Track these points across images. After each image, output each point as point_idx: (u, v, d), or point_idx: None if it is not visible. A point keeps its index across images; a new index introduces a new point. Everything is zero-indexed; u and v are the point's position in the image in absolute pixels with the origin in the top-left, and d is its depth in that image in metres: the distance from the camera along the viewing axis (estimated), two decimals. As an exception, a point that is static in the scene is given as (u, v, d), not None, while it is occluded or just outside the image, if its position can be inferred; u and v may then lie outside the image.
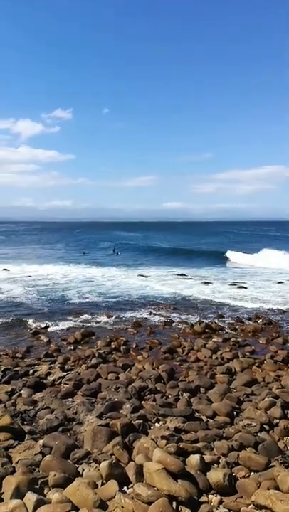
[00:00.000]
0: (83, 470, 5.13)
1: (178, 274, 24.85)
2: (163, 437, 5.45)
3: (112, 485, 4.59)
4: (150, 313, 14.68)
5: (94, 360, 9.32)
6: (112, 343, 10.79)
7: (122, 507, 4.29)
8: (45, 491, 4.64)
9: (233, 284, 21.19)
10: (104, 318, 13.96)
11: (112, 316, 14.17)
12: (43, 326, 12.86)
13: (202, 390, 7.77)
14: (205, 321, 13.24)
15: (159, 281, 22.65)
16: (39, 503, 4.19)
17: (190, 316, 14.43)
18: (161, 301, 16.83)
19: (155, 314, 14.58)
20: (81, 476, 4.97)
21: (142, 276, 24.29)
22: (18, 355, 9.95)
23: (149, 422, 6.24)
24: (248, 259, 33.15)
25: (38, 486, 4.67)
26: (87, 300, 17.18)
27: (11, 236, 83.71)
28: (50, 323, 13.12)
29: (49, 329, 12.62)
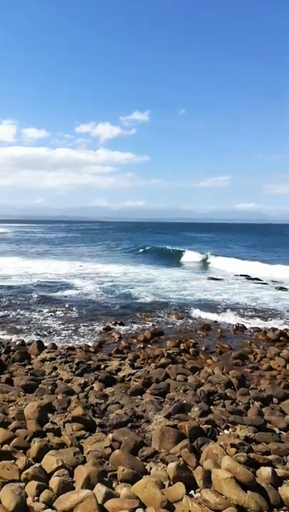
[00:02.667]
0: (151, 468, 5.16)
1: (251, 278, 24.07)
2: (232, 445, 5.29)
3: (180, 487, 4.56)
4: (220, 317, 14.40)
5: (163, 360, 9.37)
6: (181, 344, 10.76)
7: (190, 511, 4.24)
8: (113, 485, 4.76)
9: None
10: (173, 319, 13.99)
11: (181, 318, 14.14)
12: (114, 322, 13.23)
13: (275, 400, 7.43)
14: (280, 328, 12.66)
15: (230, 284, 22.13)
16: (108, 496, 4.30)
17: (263, 322, 13.90)
18: (232, 305, 16.42)
19: (225, 318, 14.27)
20: (149, 474, 5.02)
21: (213, 279, 23.88)
22: (91, 349, 10.36)
23: (217, 428, 6.11)
24: None
25: (107, 479, 4.79)
26: (155, 300, 17.32)
27: (86, 234, 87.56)
28: (121, 321, 13.45)
29: (120, 326, 12.95)
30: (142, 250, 41.85)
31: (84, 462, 5.14)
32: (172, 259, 35.23)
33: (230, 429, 6.14)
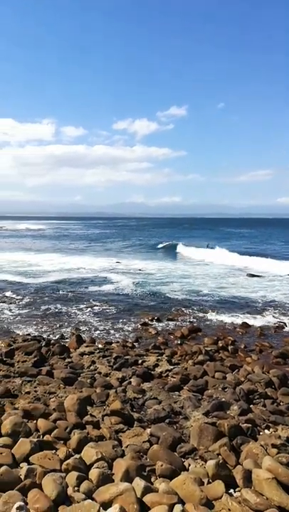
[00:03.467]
0: (189, 465, 5.13)
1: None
2: (274, 446, 5.17)
3: (219, 485, 4.51)
4: (259, 315, 14.07)
5: (201, 357, 9.28)
6: (220, 342, 10.61)
7: (229, 510, 4.18)
8: (152, 479, 4.77)
9: None
10: (211, 315, 13.83)
11: (219, 314, 13.96)
12: (151, 318, 13.25)
13: None
14: None
15: (271, 281, 21.57)
16: (147, 490, 4.31)
17: (304, 320, 13.45)
18: (272, 303, 16.00)
19: (265, 316, 13.94)
20: (187, 470, 4.99)
21: (253, 275, 23.33)
22: (128, 344, 10.43)
23: (257, 428, 5.98)
24: None
25: (145, 473, 4.81)
26: (192, 296, 17.18)
27: (123, 230, 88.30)
28: (157, 316, 13.46)
29: (156, 322, 12.96)
30: (177, 246, 41.57)
31: (122, 455, 5.18)
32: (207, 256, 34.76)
33: (271, 430, 5.99)
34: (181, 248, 39.87)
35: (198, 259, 32.53)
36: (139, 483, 4.36)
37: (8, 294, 16.64)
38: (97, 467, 4.75)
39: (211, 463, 4.83)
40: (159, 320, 13.19)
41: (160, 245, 45.45)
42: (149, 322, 12.86)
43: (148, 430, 5.90)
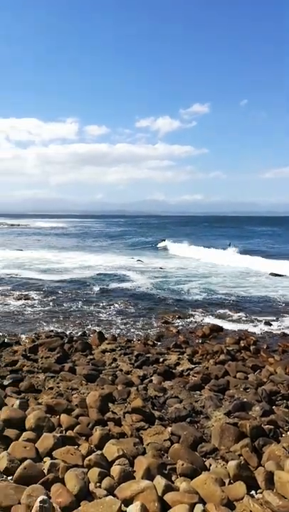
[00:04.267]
0: (210, 465, 5.12)
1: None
2: (297, 448, 5.10)
3: (241, 486, 4.49)
4: (281, 314, 13.86)
5: (222, 357, 9.22)
6: (241, 341, 10.51)
7: (251, 511, 4.15)
8: (172, 478, 4.79)
9: None
10: (232, 314, 13.72)
11: (239, 312, 13.85)
12: (172, 316, 13.24)
13: None
14: None
15: (293, 280, 21.20)
16: (168, 489, 4.33)
17: None
18: (296, 303, 15.74)
19: (286, 315, 13.71)
20: (208, 470, 4.98)
21: (275, 275, 22.95)
22: (149, 342, 10.46)
23: (280, 429, 5.91)
24: None
25: (166, 472, 4.83)
26: (212, 295, 17.07)
27: (143, 228, 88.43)
28: (178, 315, 13.44)
29: (177, 320, 12.95)
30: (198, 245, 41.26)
31: (144, 453, 5.22)
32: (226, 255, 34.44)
33: (293, 431, 5.91)
34: (199, 248, 39.60)
35: (217, 258, 32.27)
36: (160, 482, 4.39)
37: (31, 291, 16.94)
38: (119, 464, 4.79)
39: (232, 463, 4.81)
40: (180, 318, 13.17)
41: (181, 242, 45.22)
42: (170, 320, 12.86)
43: (169, 429, 5.91)
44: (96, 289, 17.87)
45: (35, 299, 15.47)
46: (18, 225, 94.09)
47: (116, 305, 14.87)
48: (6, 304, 14.58)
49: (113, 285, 18.96)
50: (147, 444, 5.50)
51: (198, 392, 7.41)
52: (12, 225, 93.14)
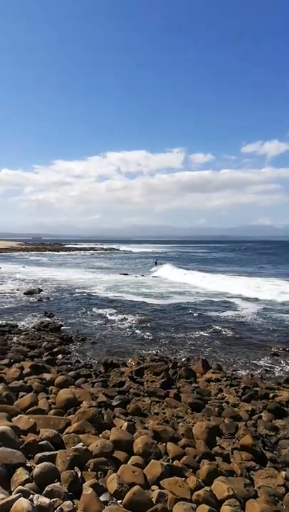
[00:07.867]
0: None
1: None
2: None
3: None
4: None
5: None
6: None
7: None
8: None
9: None
10: None
11: None
12: (282, 349, 12.38)
13: None
14: None
15: None
16: None
17: None
18: None
19: None
20: None
21: None
22: (257, 375, 9.88)
23: None
24: None
25: (282, 522, 4.41)
26: None
27: (247, 253, 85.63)
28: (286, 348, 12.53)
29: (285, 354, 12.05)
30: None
31: (255, 496, 4.85)
32: None
33: None
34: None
35: None
36: (277, 532, 4.00)
37: (129, 314, 17.32)
38: (229, 504, 4.51)
39: None
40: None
41: None
42: (280, 353, 12.02)
43: (283, 473, 5.42)
44: (197, 314, 17.71)
45: (134, 321, 15.87)
46: (131, 251, 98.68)
47: (219, 332, 14.46)
48: (112, 325, 15.22)
49: (215, 312, 18.54)
50: (259, 487, 5.11)
51: (315, 435, 6.71)
52: (125, 251, 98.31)
